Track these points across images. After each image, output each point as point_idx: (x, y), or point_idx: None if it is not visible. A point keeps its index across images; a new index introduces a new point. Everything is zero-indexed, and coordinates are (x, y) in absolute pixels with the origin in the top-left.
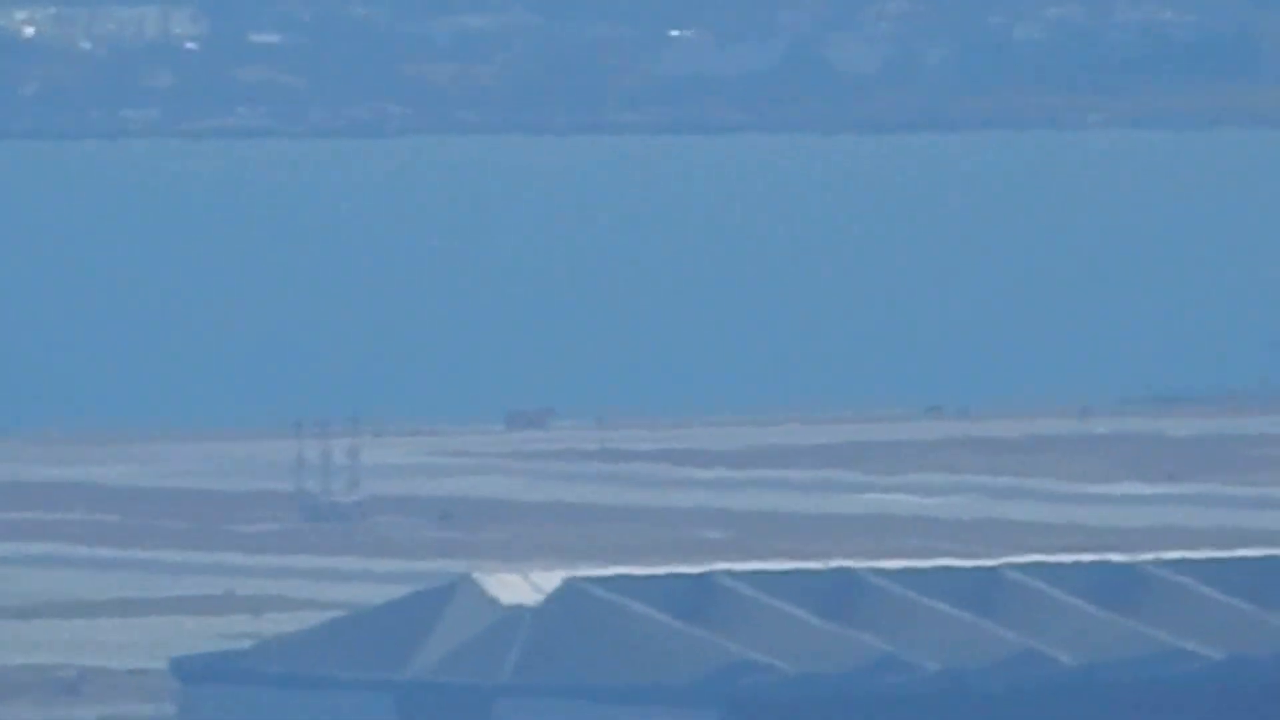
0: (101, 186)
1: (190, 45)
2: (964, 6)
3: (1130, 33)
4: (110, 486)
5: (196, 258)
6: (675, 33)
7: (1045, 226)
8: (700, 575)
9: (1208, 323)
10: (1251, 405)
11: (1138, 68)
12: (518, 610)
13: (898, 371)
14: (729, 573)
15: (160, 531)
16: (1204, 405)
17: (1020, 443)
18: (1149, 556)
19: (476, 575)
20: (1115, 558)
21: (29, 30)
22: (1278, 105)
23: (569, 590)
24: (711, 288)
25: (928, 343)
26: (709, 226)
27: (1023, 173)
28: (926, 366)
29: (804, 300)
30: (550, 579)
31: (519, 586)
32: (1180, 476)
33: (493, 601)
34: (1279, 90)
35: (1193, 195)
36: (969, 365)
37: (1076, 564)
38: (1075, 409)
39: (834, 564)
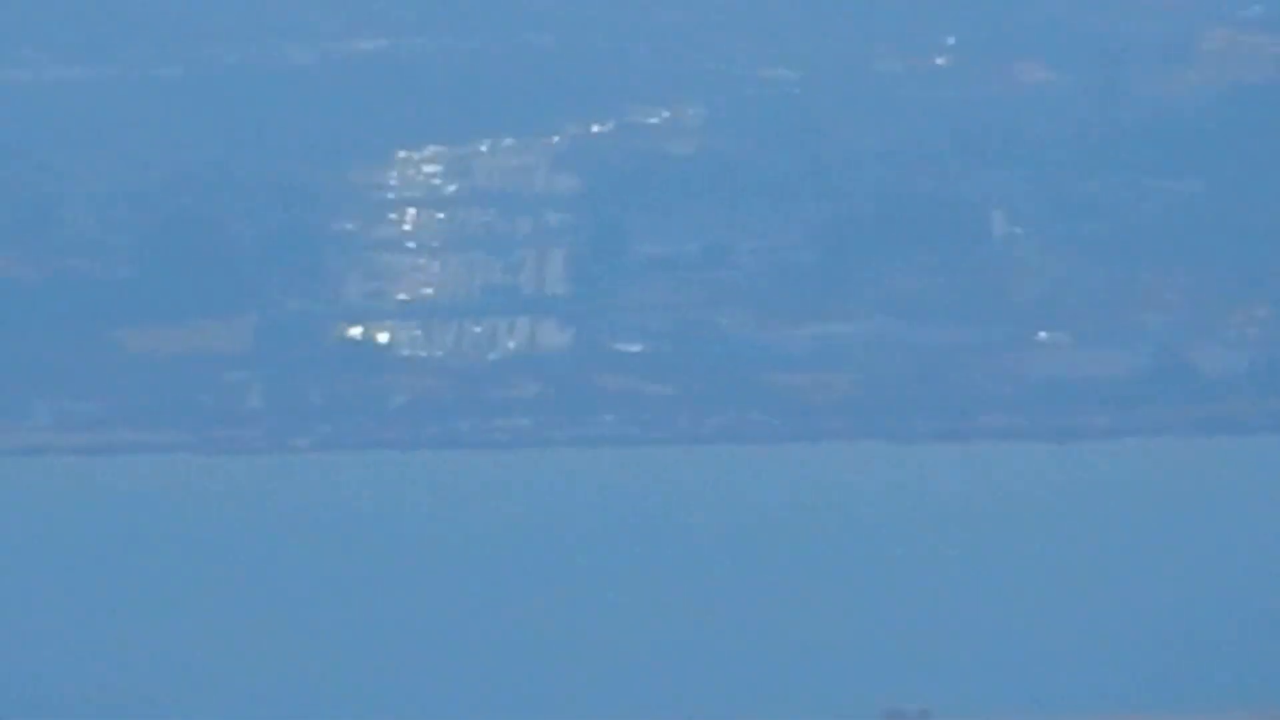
0: (472, 495)
1: (556, 355)
2: None
3: None
4: None
5: (566, 566)
6: (1043, 335)
7: None
8: None
9: None
10: None
11: None
12: None
13: None
14: None
15: None
16: None
17: None
18: None
19: None
20: None
21: (398, 345)
22: None
23: None
24: (1084, 589)
25: None
26: (1078, 532)
27: None
28: None
29: (1171, 601)
30: None
31: None
32: None
33: None
34: None
35: None
36: None
37: None
38: None
39: None
